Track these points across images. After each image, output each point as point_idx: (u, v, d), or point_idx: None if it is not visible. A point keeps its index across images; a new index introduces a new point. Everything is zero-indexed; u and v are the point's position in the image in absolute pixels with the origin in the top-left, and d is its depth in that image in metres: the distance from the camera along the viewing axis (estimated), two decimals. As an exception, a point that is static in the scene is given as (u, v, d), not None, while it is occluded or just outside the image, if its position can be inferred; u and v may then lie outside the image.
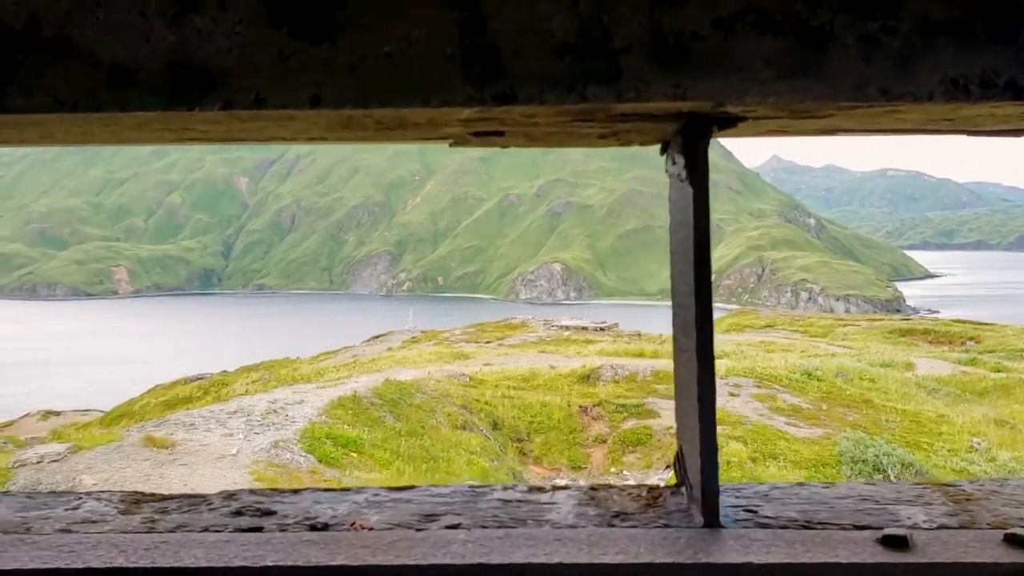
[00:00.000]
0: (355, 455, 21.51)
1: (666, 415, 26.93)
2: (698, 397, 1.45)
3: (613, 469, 25.37)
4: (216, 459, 18.96)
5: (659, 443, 25.61)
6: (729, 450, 23.29)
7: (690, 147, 1.44)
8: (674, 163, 1.54)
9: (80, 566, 1.34)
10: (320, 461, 20.04)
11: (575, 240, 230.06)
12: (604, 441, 26.95)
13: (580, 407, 28.55)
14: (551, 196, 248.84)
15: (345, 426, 22.63)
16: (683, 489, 1.65)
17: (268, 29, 1.27)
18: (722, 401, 27.48)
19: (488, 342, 47.14)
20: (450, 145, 1.73)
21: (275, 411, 23.13)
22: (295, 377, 33.64)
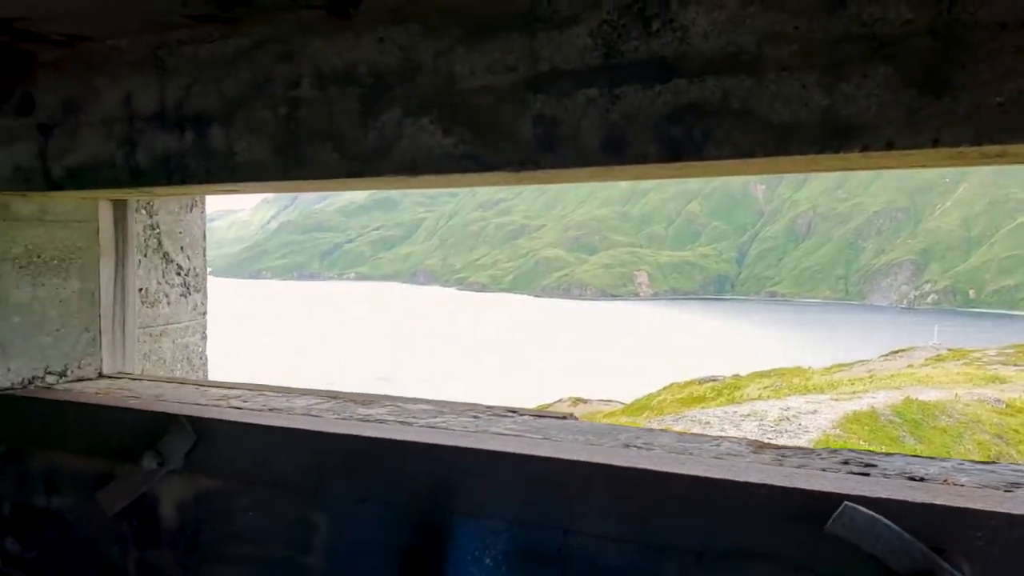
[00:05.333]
0: (870, 473, 20.71)
1: None
2: None
3: None
4: (730, 458, 19.75)
5: None
6: None
7: None
8: None
9: (740, 480, 1.90)
10: (833, 474, 19.71)
11: None
12: None
13: None
14: None
15: (860, 441, 21.91)
16: None
17: (901, 91, 1.69)
18: None
19: (1032, 366, 41.48)
20: (1041, 166, 1.97)
21: (787, 419, 23.27)
22: (807, 387, 33.27)
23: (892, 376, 36.27)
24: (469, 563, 2.16)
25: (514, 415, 2.59)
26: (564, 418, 2.55)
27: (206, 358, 4.51)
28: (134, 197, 3.32)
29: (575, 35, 2.01)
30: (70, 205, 3.26)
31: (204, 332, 4.45)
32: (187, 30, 2.54)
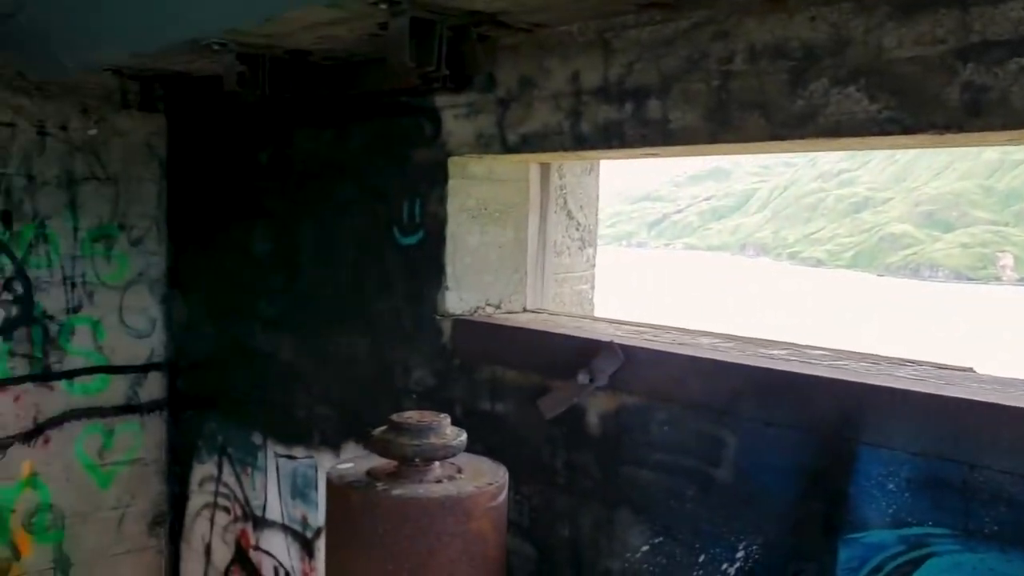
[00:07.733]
0: None
1: None
2: None
3: None
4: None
5: None
6: None
7: None
8: None
9: None
10: None
11: None
12: None
13: None
14: None
15: None
16: None
17: None
18: None
19: None
20: None
21: None
22: None
23: None
24: (873, 486, 2.42)
25: (913, 364, 2.78)
26: (965, 370, 2.70)
27: (594, 305, 5.09)
28: (571, 160, 3.90)
29: (1009, 9, 2.16)
30: (509, 166, 3.91)
31: (593, 282, 5.02)
32: (632, 15, 3.00)
